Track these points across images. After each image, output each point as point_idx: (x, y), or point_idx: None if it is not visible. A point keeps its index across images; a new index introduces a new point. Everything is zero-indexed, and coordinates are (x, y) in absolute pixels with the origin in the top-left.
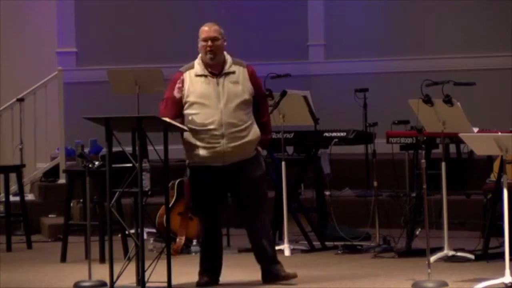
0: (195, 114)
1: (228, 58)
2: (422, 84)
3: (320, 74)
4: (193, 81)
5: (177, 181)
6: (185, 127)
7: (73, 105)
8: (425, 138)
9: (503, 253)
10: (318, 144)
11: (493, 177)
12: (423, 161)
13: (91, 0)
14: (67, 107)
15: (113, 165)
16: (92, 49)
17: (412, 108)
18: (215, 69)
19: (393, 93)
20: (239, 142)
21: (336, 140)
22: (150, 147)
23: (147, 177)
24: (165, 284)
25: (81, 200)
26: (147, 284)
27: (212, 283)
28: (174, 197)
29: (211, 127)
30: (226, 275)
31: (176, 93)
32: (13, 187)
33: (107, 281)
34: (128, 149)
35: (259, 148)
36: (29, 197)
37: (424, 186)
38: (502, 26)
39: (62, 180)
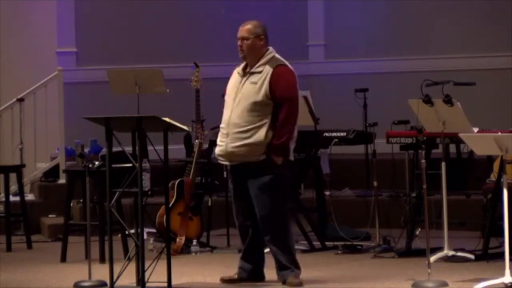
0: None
1: (264, 58)
2: (422, 84)
3: (320, 74)
4: (232, 79)
5: (177, 181)
6: (185, 127)
7: (73, 105)
8: (425, 138)
9: (503, 253)
10: (318, 144)
11: (493, 177)
12: (423, 161)
13: (91, 0)
14: (67, 107)
15: (113, 165)
16: (92, 49)
17: (412, 108)
18: (248, 68)
19: (393, 93)
20: (239, 143)
21: (336, 140)
22: (150, 147)
23: (147, 177)
24: (165, 284)
25: (81, 200)
26: (147, 284)
27: (248, 278)
28: (174, 197)
29: (222, 125)
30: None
31: None
32: (13, 187)
33: (107, 281)
34: (128, 149)
35: (274, 157)
36: (29, 197)
37: (424, 186)
38: (502, 26)
39: (62, 180)
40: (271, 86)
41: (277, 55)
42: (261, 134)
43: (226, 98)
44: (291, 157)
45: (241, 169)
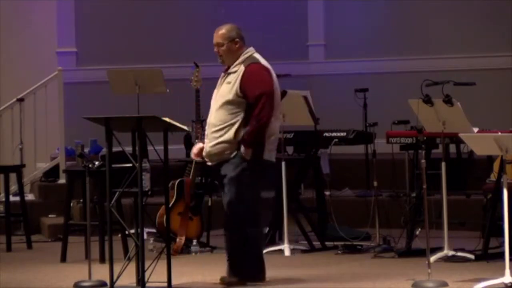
0: None
1: (240, 58)
2: (422, 84)
3: (320, 74)
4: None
5: (177, 181)
6: (185, 127)
7: (73, 105)
8: (425, 138)
9: (503, 253)
10: (318, 144)
11: (493, 177)
12: (423, 161)
13: (91, 0)
14: (67, 107)
15: (113, 165)
16: (92, 49)
17: (412, 108)
18: (228, 69)
19: (393, 93)
20: (213, 142)
21: (336, 140)
22: (150, 147)
23: (147, 177)
24: (165, 284)
25: (81, 200)
26: (147, 284)
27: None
28: (174, 197)
29: (206, 127)
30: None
31: None
32: (13, 187)
33: (107, 281)
34: (128, 149)
35: (242, 151)
36: (29, 197)
37: (424, 186)
38: (502, 26)
39: (62, 180)
40: (242, 84)
41: (254, 54)
42: (231, 133)
43: (212, 100)
44: (269, 157)
45: (217, 169)
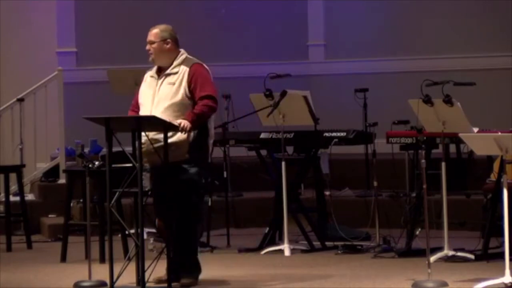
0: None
1: (178, 59)
2: (422, 84)
3: (320, 74)
4: (145, 82)
5: None
6: None
7: (73, 105)
8: (425, 138)
9: (503, 253)
10: (318, 144)
11: (493, 177)
12: (423, 161)
13: (91, 0)
14: (67, 107)
15: (113, 165)
16: (92, 49)
17: (412, 108)
18: (163, 71)
19: (393, 93)
20: (159, 144)
21: (336, 140)
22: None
23: (147, 177)
24: (165, 284)
25: (81, 200)
26: (147, 284)
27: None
28: None
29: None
30: (226, 275)
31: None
32: (13, 187)
33: (107, 281)
34: (128, 149)
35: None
36: (29, 197)
37: (424, 186)
38: (502, 26)
39: (62, 180)
40: (190, 84)
41: (189, 56)
42: (181, 134)
43: (142, 101)
44: (209, 160)
45: (163, 172)
